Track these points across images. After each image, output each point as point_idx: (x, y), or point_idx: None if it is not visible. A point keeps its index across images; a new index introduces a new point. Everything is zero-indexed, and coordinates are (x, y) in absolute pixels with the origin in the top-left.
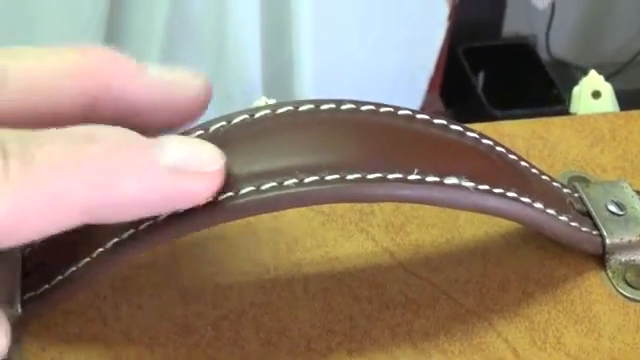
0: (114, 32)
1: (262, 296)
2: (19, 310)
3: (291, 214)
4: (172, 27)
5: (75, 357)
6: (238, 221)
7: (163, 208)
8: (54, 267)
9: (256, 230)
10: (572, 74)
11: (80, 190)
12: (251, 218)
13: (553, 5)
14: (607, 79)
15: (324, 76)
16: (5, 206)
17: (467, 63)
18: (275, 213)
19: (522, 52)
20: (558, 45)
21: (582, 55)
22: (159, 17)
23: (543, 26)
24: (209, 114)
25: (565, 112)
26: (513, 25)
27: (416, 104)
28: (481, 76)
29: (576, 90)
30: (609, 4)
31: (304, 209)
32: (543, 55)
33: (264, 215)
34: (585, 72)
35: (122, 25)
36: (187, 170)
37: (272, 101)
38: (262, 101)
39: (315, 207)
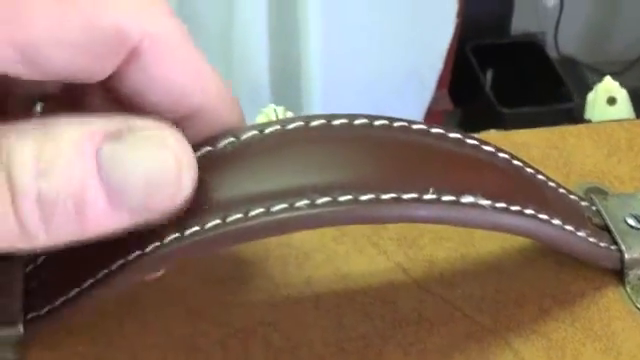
0: None
1: (271, 314)
2: (21, 330)
3: None
4: None
5: None
6: None
7: None
8: (57, 287)
9: (265, 244)
10: (581, 72)
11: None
12: None
13: (562, 2)
14: (615, 76)
15: (332, 76)
16: None
17: (475, 61)
18: None
19: (530, 50)
20: (567, 43)
21: (591, 52)
22: None
23: (552, 24)
24: None
25: (573, 110)
26: (521, 23)
27: (424, 103)
28: (489, 74)
29: (591, 96)
30: (617, 1)
31: None
32: (552, 53)
33: None
34: (593, 70)
35: None
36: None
37: (280, 108)
38: (270, 109)
39: None
